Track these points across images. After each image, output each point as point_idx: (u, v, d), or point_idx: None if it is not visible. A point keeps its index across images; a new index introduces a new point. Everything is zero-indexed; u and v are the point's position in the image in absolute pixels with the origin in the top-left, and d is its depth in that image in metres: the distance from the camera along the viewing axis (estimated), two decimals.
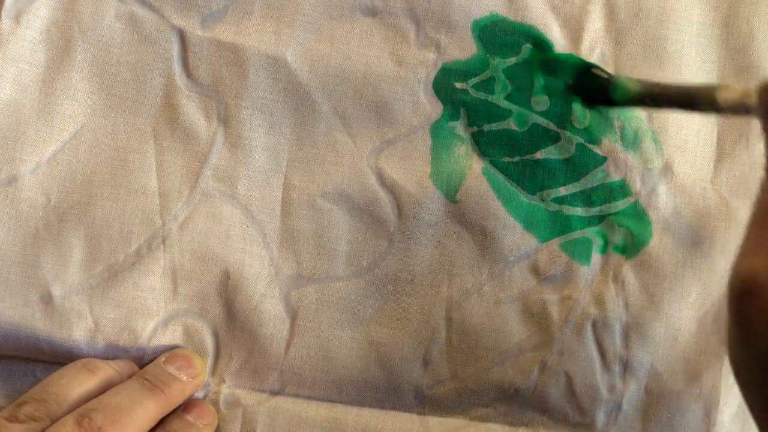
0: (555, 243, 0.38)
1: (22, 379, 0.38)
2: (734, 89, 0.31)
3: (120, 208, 0.38)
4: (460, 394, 0.38)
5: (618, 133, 0.38)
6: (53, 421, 0.33)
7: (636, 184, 0.38)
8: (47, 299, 0.37)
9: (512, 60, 0.38)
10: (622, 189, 0.38)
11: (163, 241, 0.38)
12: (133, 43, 0.38)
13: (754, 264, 0.23)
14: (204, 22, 0.38)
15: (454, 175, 0.38)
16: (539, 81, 0.38)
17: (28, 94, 0.38)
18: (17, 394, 0.37)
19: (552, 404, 0.37)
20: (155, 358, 0.37)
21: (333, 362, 0.37)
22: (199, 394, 0.37)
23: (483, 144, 0.38)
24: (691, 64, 0.38)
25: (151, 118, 0.38)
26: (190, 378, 0.36)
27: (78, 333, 0.37)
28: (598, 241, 0.38)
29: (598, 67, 0.38)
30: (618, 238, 0.38)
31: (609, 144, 0.38)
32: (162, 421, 0.35)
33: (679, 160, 0.38)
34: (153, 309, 0.38)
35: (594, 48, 0.38)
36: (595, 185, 0.38)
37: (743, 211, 0.37)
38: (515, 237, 0.38)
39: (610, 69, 0.38)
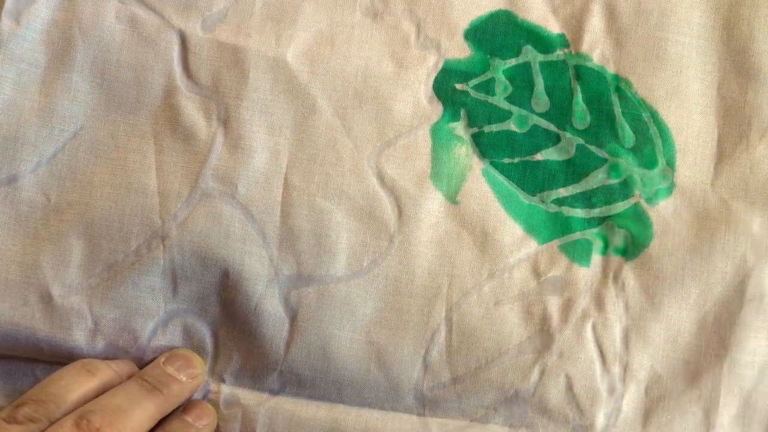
0: (555, 244, 0.38)
1: (22, 378, 0.38)
2: None
3: (120, 208, 0.38)
4: (460, 396, 0.37)
5: (618, 135, 0.38)
6: (52, 423, 0.33)
7: (636, 186, 0.38)
8: (47, 299, 0.37)
9: (512, 61, 0.38)
10: (622, 191, 0.38)
11: (163, 241, 0.37)
12: (133, 44, 0.38)
13: None
14: (204, 23, 0.38)
15: (454, 176, 0.38)
16: (539, 82, 0.38)
17: (28, 95, 0.38)
18: (17, 393, 0.37)
19: (552, 406, 0.37)
20: (155, 358, 0.37)
21: (333, 363, 0.37)
22: (199, 395, 0.37)
23: (483, 145, 0.38)
24: (692, 65, 0.38)
25: (151, 119, 0.38)
26: (190, 378, 0.36)
27: (77, 333, 0.37)
28: (598, 243, 0.38)
29: None
30: (618, 239, 0.38)
31: (609, 145, 0.38)
32: (161, 422, 0.35)
33: (680, 162, 0.38)
34: (152, 309, 0.37)
35: (594, 48, 0.38)
36: (595, 187, 0.38)
37: (743, 214, 0.37)
38: (515, 238, 0.38)
39: (610, 69, 0.38)
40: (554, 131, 0.38)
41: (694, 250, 0.37)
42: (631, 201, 0.38)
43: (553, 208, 0.38)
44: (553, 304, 0.38)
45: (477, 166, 0.38)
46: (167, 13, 0.38)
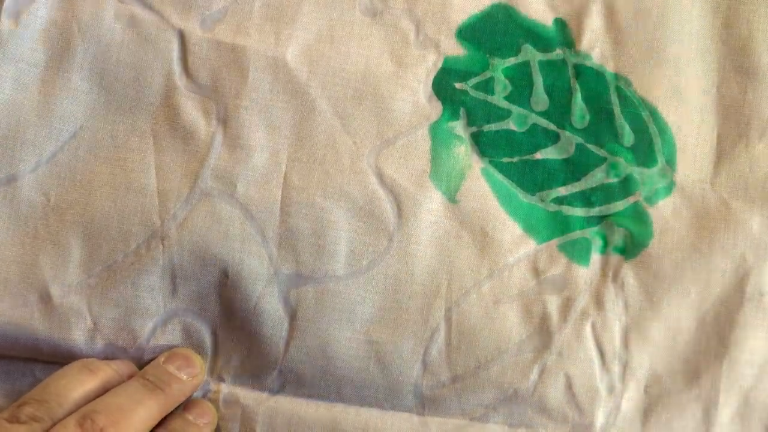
0: (554, 243, 0.38)
1: (21, 378, 0.38)
2: None
3: (119, 207, 0.38)
4: (459, 395, 0.38)
5: (618, 134, 0.38)
6: (54, 422, 0.33)
7: (636, 185, 0.38)
8: (46, 299, 0.37)
9: (512, 60, 0.38)
10: (621, 189, 0.38)
11: (162, 240, 0.38)
12: (132, 44, 0.38)
13: None
14: (204, 23, 0.38)
15: (454, 175, 0.38)
16: (539, 81, 0.38)
17: (28, 94, 0.38)
18: (16, 393, 0.37)
19: (551, 405, 0.37)
20: (154, 357, 0.37)
21: (332, 362, 0.37)
22: (198, 394, 0.37)
23: (482, 144, 0.38)
24: (691, 64, 0.38)
25: (150, 118, 0.38)
26: (190, 377, 0.36)
27: (77, 333, 0.37)
28: (597, 242, 0.38)
29: None
30: (617, 238, 0.38)
31: (609, 144, 0.38)
32: (163, 421, 0.35)
33: (679, 161, 0.38)
34: (152, 308, 0.38)
35: (593, 47, 0.38)
36: (594, 185, 0.38)
37: (743, 212, 0.37)
38: (514, 237, 0.38)
39: (609, 68, 0.38)
40: (553, 130, 0.38)
41: (693, 248, 0.37)
42: (631, 200, 0.38)
43: (553, 207, 0.38)
44: (553, 303, 0.38)
45: (476, 165, 0.38)
46: (166, 13, 0.38)
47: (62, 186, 0.38)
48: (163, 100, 0.38)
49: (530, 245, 0.38)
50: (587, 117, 0.38)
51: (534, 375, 0.37)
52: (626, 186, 0.38)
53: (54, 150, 0.38)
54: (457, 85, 0.38)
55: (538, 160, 0.38)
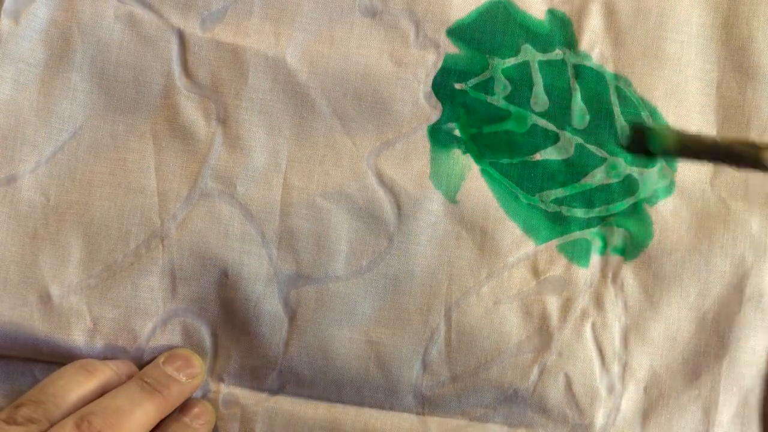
0: (554, 244, 0.38)
1: (21, 378, 0.37)
2: None
3: (119, 207, 0.38)
4: (459, 395, 0.37)
5: (618, 134, 0.38)
6: (51, 424, 0.33)
7: (635, 185, 0.38)
8: (46, 299, 0.37)
9: (511, 60, 0.38)
10: (621, 190, 0.38)
11: (162, 240, 0.37)
12: (132, 44, 0.38)
13: None
14: (203, 23, 0.38)
15: (454, 176, 0.38)
16: (538, 81, 0.38)
17: (27, 94, 0.38)
18: (16, 393, 0.37)
19: (551, 405, 0.37)
20: (154, 358, 0.37)
21: (332, 362, 0.37)
22: (198, 394, 0.37)
23: (482, 145, 0.38)
24: (691, 64, 0.38)
25: (150, 119, 0.38)
26: (189, 378, 0.36)
27: (77, 333, 0.37)
28: (597, 243, 0.38)
29: (642, 119, 0.37)
30: (617, 239, 0.38)
31: (609, 145, 0.38)
32: (160, 423, 0.35)
33: (679, 162, 0.38)
34: (152, 309, 0.37)
35: (593, 47, 0.38)
36: (594, 186, 0.38)
37: (742, 213, 0.37)
38: (514, 238, 0.38)
39: (609, 68, 0.38)
40: (553, 131, 0.38)
41: (693, 249, 0.38)
42: (630, 200, 0.38)
43: (553, 208, 0.38)
44: (552, 303, 0.38)
45: (476, 165, 0.38)
46: (166, 13, 0.38)
47: (62, 186, 0.38)
48: (163, 100, 0.38)
49: (530, 246, 0.38)
50: (587, 117, 0.38)
51: (534, 375, 0.37)
52: (626, 186, 0.38)
53: (54, 150, 0.38)
54: (457, 86, 0.38)
55: (537, 161, 0.38)
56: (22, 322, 0.37)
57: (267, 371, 0.38)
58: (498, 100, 0.38)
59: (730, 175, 0.38)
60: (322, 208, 0.38)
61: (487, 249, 0.38)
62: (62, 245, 0.37)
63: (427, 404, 0.38)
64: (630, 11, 0.38)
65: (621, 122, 0.38)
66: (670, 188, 0.38)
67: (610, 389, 0.37)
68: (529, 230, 0.38)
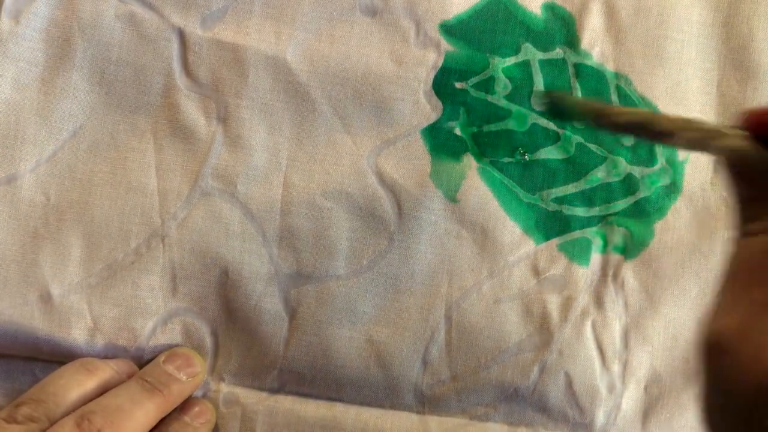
0: (554, 243, 0.38)
1: (21, 378, 0.37)
2: (693, 124, 0.27)
3: (119, 207, 0.38)
4: (459, 394, 0.37)
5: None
6: (52, 422, 0.33)
7: (636, 184, 0.38)
8: (46, 298, 0.37)
9: (512, 59, 0.38)
10: (622, 189, 0.38)
11: (163, 239, 0.37)
12: (132, 43, 0.38)
13: (726, 324, 0.23)
14: (204, 22, 0.38)
15: (454, 175, 0.38)
16: (539, 80, 0.38)
17: (28, 93, 0.38)
18: (16, 392, 0.37)
19: (551, 404, 0.37)
20: (154, 357, 0.37)
21: (332, 361, 0.37)
22: (198, 393, 0.37)
23: (483, 144, 0.38)
24: (691, 63, 0.38)
25: (150, 118, 0.38)
26: (190, 377, 0.36)
27: (77, 332, 0.37)
28: (597, 241, 0.38)
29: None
30: (618, 238, 0.38)
31: (609, 144, 0.38)
32: (160, 422, 0.35)
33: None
34: (152, 308, 0.37)
35: (594, 46, 0.38)
36: (595, 185, 0.38)
37: None
38: (515, 237, 0.38)
39: (609, 67, 0.38)
40: (554, 130, 0.38)
41: (693, 248, 0.38)
42: (631, 199, 0.38)
43: (553, 207, 0.38)
44: (553, 302, 0.38)
45: (476, 165, 0.38)
46: (167, 12, 0.38)
47: (62, 185, 0.38)
48: (164, 99, 0.38)
49: (530, 245, 0.38)
50: None
51: (534, 374, 0.37)
52: (627, 185, 0.38)
53: (54, 149, 0.38)
54: (458, 85, 0.38)
55: (538, 160, 0.38)
56: (22, 321, 0.37)
57: (267, 370, 0.38)
58: (498, 99, 0.38)
59: None
60: (323, 207, 0.38)
61: (487, 248, 0.38)
62: (63, 244, 0.37)
63: (427, 403, 0.38)
64: (630, 10, 0.38)
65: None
66: (669, 187, 0.38)
67: (611, 388, 0.37)
68: (530, 229, 0.38)
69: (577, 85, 0.38)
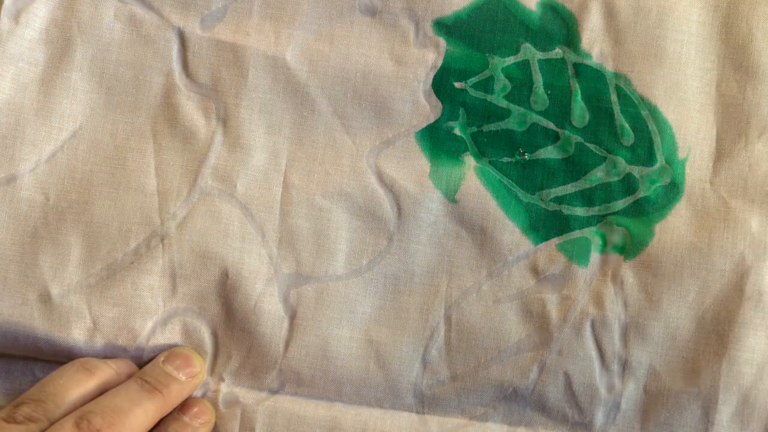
0: (553, 243, 0.38)
1: (21, 377, 0.38)
2: None
3: (119, 207, 0.38)
4: (459, 394, 0.38)
5: (617, 133, 0.38)
6: (51, 422, 0.33)
7: (635, 184, 0.38)
8: (46, 298, 0.37)
9: (511, 59, 0.38)
10: (621, 189, 0.38)
11: (162, 240, 0.38)
12: (132, 43, 0.38)
13: None
14: (203, 22, 0.38)
15: (453, 175, 0.38)
16: (538, 80, 0.38)
17: (28, 94, 0.38)
18: (16, 392, 0.37)
19: (551, 404, 0.37)
20: (154, 357, 0.37)
21: (332, 361, 0.37)
22: (198, 393, 0.37)
23: (482, 144, 0.38)
24: (691, 63, 0.38)
25: (150, 118, 0.38)
26: (189, 377, 0.36)
27: (77, 332, 0.37)
28: (596, 241, 0.38)
29: None
30: (617, 237, 0.38)
31: (608, 143, 0.38)
32: (159, 422, 0.35)
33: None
34: (152, 308, 0.38)
35: (593, 46, 0.38)
36: (594, 185, 0.38)
37: (742, 212, 0.37)
38: (514, 236, 0.38)
39: (609, 67, 0.38)
40: (553, 130, 0.38)
41: (692, 248, 0.37)
42: (630, 199, 0.38)
43: (552, 207, 0.38)
44: (552, 302, 0.38)
45: (476, 164, 0.38)
46: (166, 12, 0.38)
47: (62, 185, 0.38)
48: (163, 99, 0.38)
49: (529, 245, 0.38)
50: (587, 116, 0.38)
51: (533, 374, 0.37)
52: (626, 185, 0.38)
53: (54, 149, 0.38)
54: (457, 85, 0.38)
55: (537, 160, 0.38)
56: (22, 321, 0.37)
57: (267, 370, 0.38)
58: (498, 99, 0.38)
59: (730, 173, 0.38)
60: (322, 207, 0.38)
61: (486, 248, 0.38)
62: (62, 244, 0.37)
63: (427, 403, 0.38)
64: (630, 10, 0.38)
65: (621, 121, 0.38)
66: (669, 187, 0.38)
67: (610, 388, 0.37)
68: (529, 229, 0.38)
69: (577, 86, 0.38)
